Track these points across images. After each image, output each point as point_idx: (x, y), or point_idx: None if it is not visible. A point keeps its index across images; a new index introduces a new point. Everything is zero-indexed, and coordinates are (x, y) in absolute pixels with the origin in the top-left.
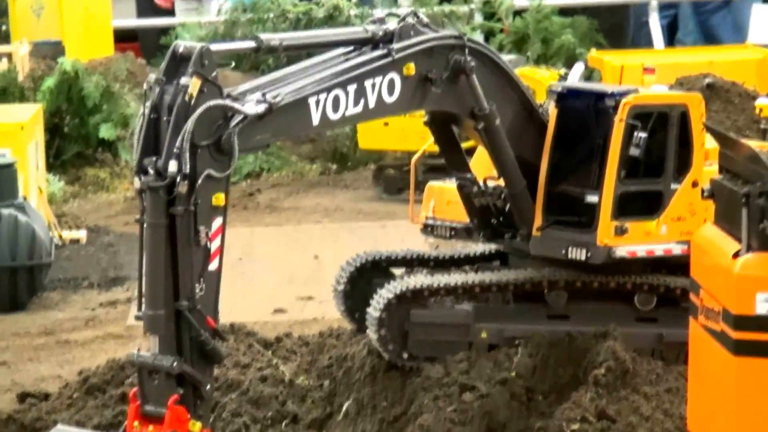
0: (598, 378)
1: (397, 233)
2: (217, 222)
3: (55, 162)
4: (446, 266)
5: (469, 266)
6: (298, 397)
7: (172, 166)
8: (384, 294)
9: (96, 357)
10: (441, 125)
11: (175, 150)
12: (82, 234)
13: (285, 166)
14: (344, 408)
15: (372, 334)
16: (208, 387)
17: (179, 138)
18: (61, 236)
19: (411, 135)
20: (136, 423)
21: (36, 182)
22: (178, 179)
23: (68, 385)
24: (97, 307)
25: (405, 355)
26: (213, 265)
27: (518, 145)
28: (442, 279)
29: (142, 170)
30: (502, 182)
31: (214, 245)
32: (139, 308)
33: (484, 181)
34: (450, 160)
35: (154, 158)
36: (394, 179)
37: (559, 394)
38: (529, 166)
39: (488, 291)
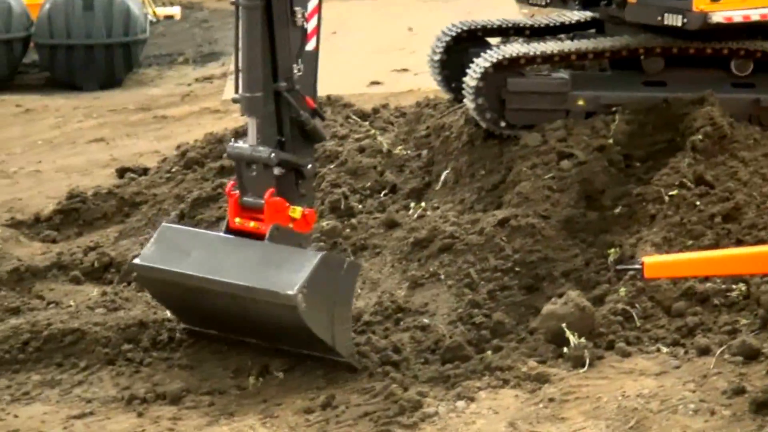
0: (696, 143)
1: (491, 3)
2: (313, 2)
3: None
4: (542, 35)
5: (564, 34)
6: (396, 167)
7: None
8: (481, 63)
9: (192, 131)
10: None
11: None
12: (176, 10)
13: None
14: (442, 177)
15: (469, 103)
16: (309, 166)
17: None
18: (155, 13)
19: None
20: (237, 219)
21: None
22: None
23: (166, 160)
24: (192, 82)
25: (502, 124)
26: (310, 45)
27: None
28: (538, 47)
29: None
30: None
31: (311, 25)
32: (236, 90)
33: None
34: None
35: None
36: None
37: (657, 161)
38: None
39: (584, 58)
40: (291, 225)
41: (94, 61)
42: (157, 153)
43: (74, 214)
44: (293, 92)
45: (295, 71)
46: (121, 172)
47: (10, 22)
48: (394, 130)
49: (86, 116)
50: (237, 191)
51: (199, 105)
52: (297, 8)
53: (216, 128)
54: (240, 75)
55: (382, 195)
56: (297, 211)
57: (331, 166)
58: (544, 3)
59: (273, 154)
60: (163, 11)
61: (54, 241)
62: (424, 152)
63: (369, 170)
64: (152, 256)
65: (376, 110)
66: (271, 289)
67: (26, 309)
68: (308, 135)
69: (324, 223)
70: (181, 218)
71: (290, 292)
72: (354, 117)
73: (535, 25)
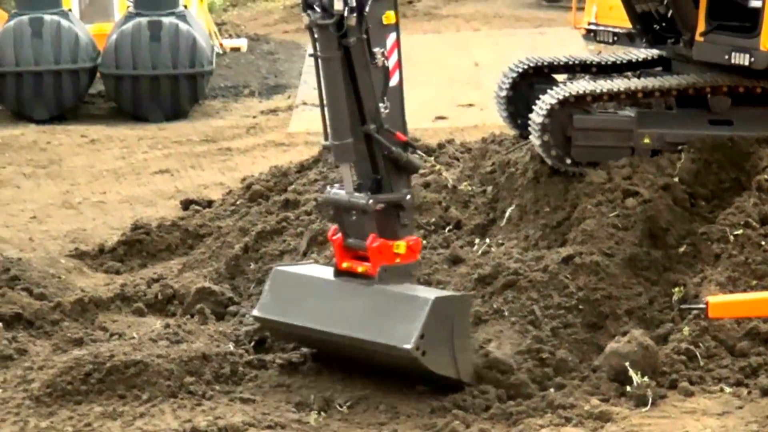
0: (761, 183)
1: (557, 39)
2: (392, 38)
3: None
4: (608, 72)
5: (631, 72)
6: (461, 203)
7: (338, 4)
8: (547, 99)
9: (257, 164)
10: None
11: None
12: (242, 42)
13: None
14: (507, 213)
15: (535, 139)
16: (408, 197)
17: None
18: (221, 45)
19: None
20: (345, 264)
21: None
22: (346, 13)
23: (231, 192)
24: (258, 114)
25: (568, 161)
26: (394, 81)
27: None
28: (604, 84)
29: (308, 6)
30: None
31: (392, 61)
32: (326, 138)
33: None
34: None
35: None
36: None
37: (722, 199)
38: None
39: (651, 96)
40: (398, 260)
41: (160, 92)
42: (221, 185)
43: (138, 245)
44: (383, 130)
45: (382, 110)
46: (186, 204)
47: (77, 53)
48: (459, 166)
49: (151, 147)
50: (339, 235)
51: (264, 137)
52: (376, 49)
53: (281, 161)
54: (327, 123)
55: (446, 231)
56: (401, 246)
57: None
58: (611, 40)
59: (371, 201)
60: (229, 43)
61: (118, 273)
62: (489, 188)
63: (434, 206)
64: (269, 306)
65: (441, 145)
66: (389, 343)
67: (89, 340)
68: (402, 168)
69: None
70: (245, 252)
71: (407, 346)
72: (419, 152)
73: (602, 62)
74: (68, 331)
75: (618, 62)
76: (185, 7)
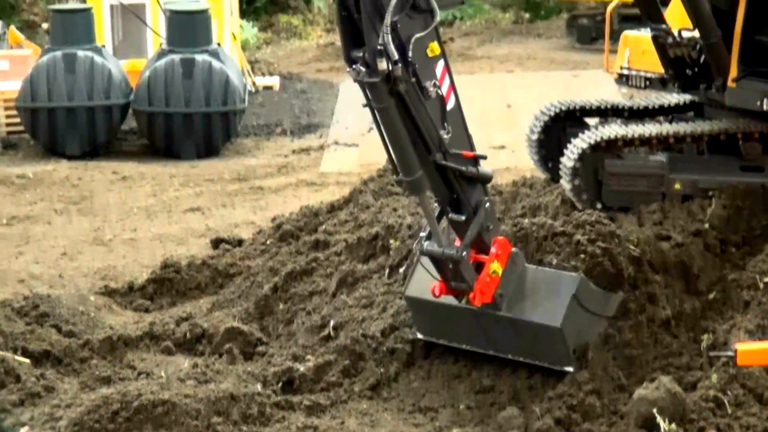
0: None
1: (590, 82)
2: (440, 66)
3: (248, 8)
4: (640, 116)
5: (663, 117)
6: None
7: (381, 64)
8: (578, 143)
9: (288, 203)
10: None
11: (378, 47)
12: (275, 80)
13: (478, 14)
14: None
15: (566, 183)
16: (488, 205)
17: (380, 35)
18: (254, 83)
19: None
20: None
21: (230, 28)
22: (390, 68)
23: (261, 231)
24: (289, 153)
25: (598, 205)
26: (451, 104)
27: None
28: (636, 129)
29: (352, 61)
30: (696, 33)
31: (445, 87)
32: (395, 173)
33: (679, 32)
34: (645, 9)
35: (360, 52)
36: (588, 28)
37: (753, 246)
38: (724, 15)
39: (683, 142)
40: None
41: (193, 130)
42: (252, 224)
43: (168, 283)
44: (449, 155)
45: (445, 136)
46: (216, 243)
47: (110, 89)
48: None
49: (183, 185)
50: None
51: (296, 177)
52: (427, 83)
53: (312, 201)
54: (394, 161)
55: None
56: (494, 265)
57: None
58: (643, 85)
59: (465, 253)
60: (262, 81)
61: (147, 311)
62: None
63: None
64: (417, 286)
65: None
66: (537, 321)
67: (117, 378)
68: (476, 181)
69: None
70: (275, 292)
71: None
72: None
73: (634, 107)
74: (96, 369)
75: (650, 107)
76: (219, 44)
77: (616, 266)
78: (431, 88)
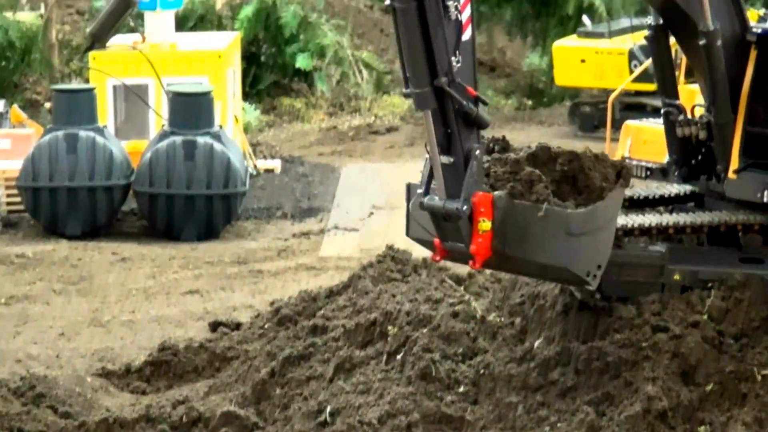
0: None
1: None
2: None
3: (251, 91)
4: (641, 206)
5: (663, 207)
6: (489, 334)
7: None
8: None
9: (288, 287)
10: (663, 40)
11: None
12: (276, 163)
13: None
14: (535, 346)
15: None
16: (478, 152)
17: None
18: (255, 165)
19: (608, 72)
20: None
21: (232, 111)
22: None
23: (260, 315)
24: (290, 237)
25: (597, 295)
26: (467, 35)
27: (731, 71)
28: (636, 219)
29: None
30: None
31: (465, 15)
32: (406, 87)
33: (692, 109)
34: (662, 83)
35: None
36: (590, 116)
37: (751, 338)
38: (736, 96)
39: (682, 232)
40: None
41: (194, 212)
42: (251, 308)
43: (165, 366)
44: (454, 84)
45: (454, 63)
46: (214, 326)
47: (111, 169)
48: (488, 296)
49: (182, 267)
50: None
51: (295, 261)
52: (450, 2)
53: (311, 285)
54: (406, 73)
55: (474, 362)
56: (485, 225)
57: (424, 330)
58: (644, 174)
59: (465, 206)
60: (263, 164)
61: (144, 393)
62: (518, 320)
63: (462, 336)
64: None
65: (471, 275)
66: None
67: None
68: (473, 123)
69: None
70: (272, 376)
71: None
72: (449, 281)
73: (635, 196)
74: None
75: (651, 197)
76: (221, 126)
77: None
78: (452, 9)
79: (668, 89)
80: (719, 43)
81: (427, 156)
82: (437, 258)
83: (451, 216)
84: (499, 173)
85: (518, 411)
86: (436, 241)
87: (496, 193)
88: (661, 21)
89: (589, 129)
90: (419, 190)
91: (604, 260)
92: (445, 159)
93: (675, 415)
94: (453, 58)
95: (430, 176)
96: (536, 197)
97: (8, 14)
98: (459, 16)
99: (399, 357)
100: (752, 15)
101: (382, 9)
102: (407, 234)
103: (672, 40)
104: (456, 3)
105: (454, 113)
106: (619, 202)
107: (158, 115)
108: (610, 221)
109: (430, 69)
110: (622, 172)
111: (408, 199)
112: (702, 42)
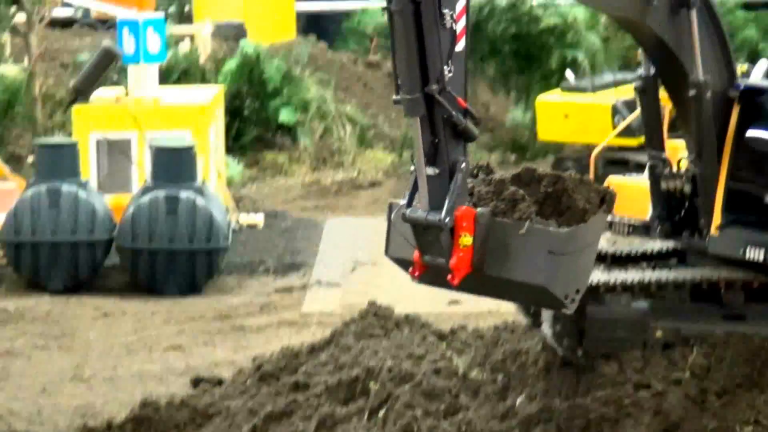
0: None
1: None
2: (461, 2)
3: (235, 145)
4: (623, 263)
5: (646, 263)
6: (471, 391)
7: None
8: None
9: (270, 343)
10: (652, 92)
11: None
12: (259, 218)
13: None
14: (517, 403)
15: (547, 329)
16: (464, 165)
17: None
18: (238, 220)
19: (591, 128)
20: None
21: (215, 165)
22: None
23: (242, 371)
24: (272, 292)
25: (579, 352)
26: (460, 46)
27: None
28: (618, 275)
29: None
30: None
31: (460, 26)
32: (396, 93)
33: (678, 163)
34: (649, 135)
35: None
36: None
37: (733, 395)
38: (720, 151)
39: (665, 289)
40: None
41: (176, 267)
42: (233, 363)
43: (147, 422)
44: (445, 93)
45: (446, 72)
46: (196, 382)
47: (93, 224)
48: (471, 353)
49: (164, 322)
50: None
51: (278, 316)
52: (445, 11)
53: (293, 341)
54: (398, 78)
55: (455, 419)
56: (466, 239)
57: (406, 387)
58: (626, 231)
59: (448, 218)
60: (246, 219)
61: None
62: (500, 377)
63: (443, 393)
64: None
65: (453, 331)
66: None
67: None
68: (460, 134)
69: None
70: None
71: None
72: (431, 337)
73: (617, 253)
74: None
75: (633, 253)
76: (204, 181)
77: None
78: (448, 18)
79: (655, 142)
80: (708, 95)
81: (413, 168)
82: (416, 273)
83: (433, 227)
84: (482, 192)
85: None
86: (416, 255)
87: (479, 209)
88: (653, 71)
89: None
90: (402, 201)
91: (583, 285)
92: (431, 170)
93: None
94: (445, 67)
95: (414, 188)
96: (519, 215)
97: None
98: (454, 25)
99: (381, 414)
100: None
101: (365, 63)
102: (386, 253)
103: (661, 93)
104: (452, 12)
105: (442, 122)
106: (602, 228)
107: (141, 169)
108: (591, 245)
109: (422, 75)
110: (605, 198)
111: (389, 218)
112: (691, 93)
